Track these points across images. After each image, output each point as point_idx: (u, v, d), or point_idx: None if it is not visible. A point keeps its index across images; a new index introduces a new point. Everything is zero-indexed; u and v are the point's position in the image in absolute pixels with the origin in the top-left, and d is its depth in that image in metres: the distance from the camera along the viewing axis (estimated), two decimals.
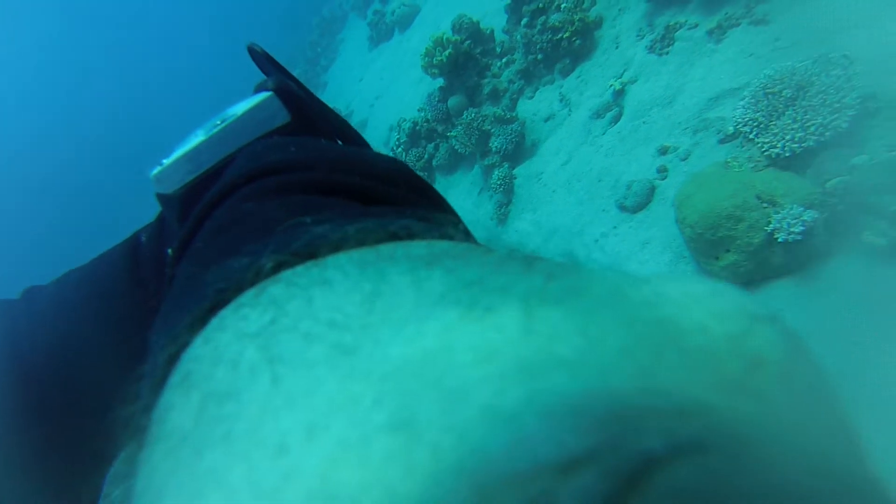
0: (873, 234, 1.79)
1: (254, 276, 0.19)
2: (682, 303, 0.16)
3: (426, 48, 3.85)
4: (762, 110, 2.13)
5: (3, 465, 0.42)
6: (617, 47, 3.40)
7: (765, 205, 2.02)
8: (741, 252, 2.04)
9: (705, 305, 0.16)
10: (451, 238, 0.21)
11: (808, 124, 1.99)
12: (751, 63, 2.58)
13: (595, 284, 0.16)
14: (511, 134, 3.53)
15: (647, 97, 3.02)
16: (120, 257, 0.48)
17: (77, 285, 0.48)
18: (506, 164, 3.57)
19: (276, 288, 0.18)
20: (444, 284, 0.16)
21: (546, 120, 3.59)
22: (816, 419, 0.14)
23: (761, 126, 2.12)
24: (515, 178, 3.52)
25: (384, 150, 4.71)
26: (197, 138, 0.42)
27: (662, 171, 2.68)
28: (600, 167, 3.06)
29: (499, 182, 3.49)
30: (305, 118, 0.45)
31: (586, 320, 0.14)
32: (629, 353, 0.13)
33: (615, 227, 2.78)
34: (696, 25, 2.95)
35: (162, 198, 0.44)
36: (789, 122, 2.04)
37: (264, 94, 0.44)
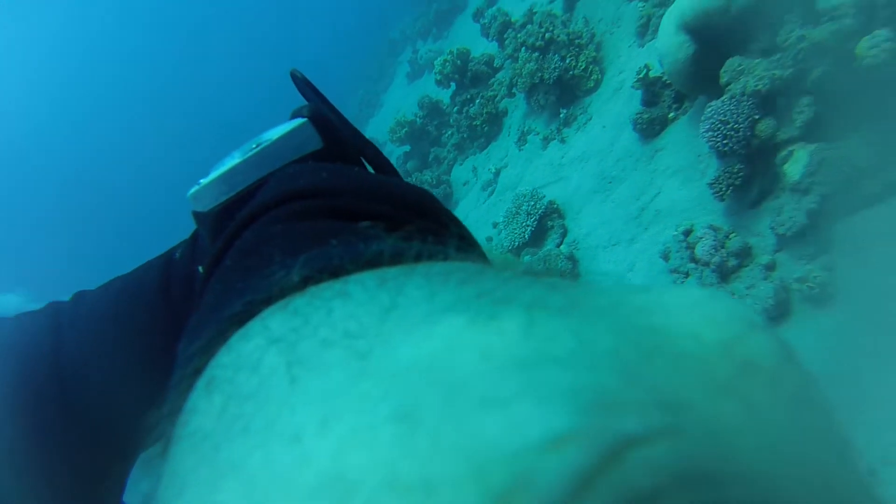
0: None
1: (281, 291, 0.22)
2: (676, 310, 0.18)
3: (390, 127, 5.78)
4: (510, 214, 3.83)
5: (35, 458, 0.49)
6: (509, 135, 5.06)
7: None
8: None
9: (699, 312, 0.17)
10: (470, 261, 0.24)
11: (515, 230, 3.69)
12: (546, 170, 4.18)
13: (595, 295, 0.19)
14: (437, 195, 5.36)
15: (507, 181, 4.69)
16: (154, 273, 0.56)
17: (116, 296, 0.56)
18: None
19: (300, 301, 0.21)
20: (455, 296, 0.18)
21: (464, 184, 5.35)
22: (803, 424, 0.16)
23: (506, 223, 3.83)
24: None
25: None
26: (233, 160, 0.47)
27: (489, 240, 4.39)
28: (473, 229, 4.80)
29: None
30: (338, 145, 0.50)
31: (581, 325, 0.16)
32: (618, 355, 0.15)
33: None
34: (538, 133, 4.54)
35: (197, 216, 0.49)
36: (512, 226, 3.74)
37: (299, 121, 0.49)
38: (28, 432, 0.49)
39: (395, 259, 0.23)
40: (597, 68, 4.13)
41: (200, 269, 0.45)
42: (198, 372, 0.21)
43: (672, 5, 2.53)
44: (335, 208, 0.35)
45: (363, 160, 0.55)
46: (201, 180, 0.48)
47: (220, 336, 0.22)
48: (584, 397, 0.13)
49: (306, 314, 0.20)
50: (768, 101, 2.12)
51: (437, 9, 8.37)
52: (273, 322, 0.20)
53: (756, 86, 2.07)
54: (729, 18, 2.16)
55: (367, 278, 0.21)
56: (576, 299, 0.18)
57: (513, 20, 5.01)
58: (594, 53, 4.16)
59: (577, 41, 4.20)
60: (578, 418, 0.12)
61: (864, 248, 1.84)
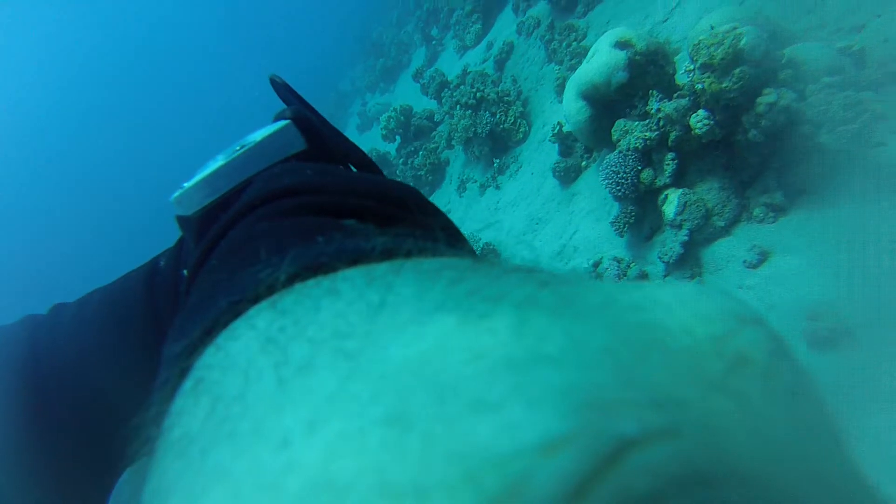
0: None
1: (268, 289, 0.21)
2: (669, 306, 0.17)
3: None
4: None
5: (16, 474, 0.49)
6: (451, 183, 5.55)
7: None
8: None
9: (691, 308, 0.17)
10: (460, 256, 0.23)
11: None
12: (484, 214, 4.66)
13: (587, 292, 0.18)
14: None
15: None
16: (137, 283, 0.55)
17: (98, 307, 0.55)
18: None
19: (287, 299, 0.20)
20: (445, 294, 0.18)
21: None
22: (797, 417, 0.15)
23: None
24: None
25: None
26: (216, 163, 0.47)
27: None
28: None
29: None
30: (321, 146, 0.50)
31: (573, 323, 0.16)
32: (611, 352, 0.15)
33: None
34: (476, 181, 5.04)
35: (181, 220, 0.48)
36: None
37: (282, 123, 0.49)
38: (6, 449, 0.49)
39: (385, 255, 0.23)
40: (524, 122, 4.69)
41: (185, 272, 0.44)
42: (184, 373, 0.21)
43: (572, 76, 3.08)
44: (321, 205, 0.35)
45: (347, 160, 0.54)
46: (184, 184, 0.48)
47: (207, 335, 0.21)
48: (577, 398, 0.13)
49: (294, 313, 0.19)
50: (646, 156, 2.64)
51: (384, 64, 8.99)
52: (260, 321, 0.20)
53: (635, 144, 2.59)
54: (611, 91, 2.70)
55: (356, 275, 0.21)
56: (568, 296, 0.18)
57: (448, 80, 5.59)
58: (521, 108, 4.74)
59: (505, 98, 4.77)
60: (572, 420, 0.12)
61: (721, 268, 2.34)
